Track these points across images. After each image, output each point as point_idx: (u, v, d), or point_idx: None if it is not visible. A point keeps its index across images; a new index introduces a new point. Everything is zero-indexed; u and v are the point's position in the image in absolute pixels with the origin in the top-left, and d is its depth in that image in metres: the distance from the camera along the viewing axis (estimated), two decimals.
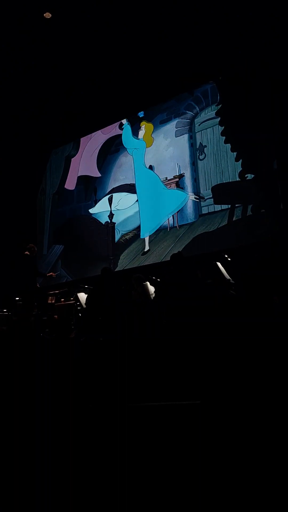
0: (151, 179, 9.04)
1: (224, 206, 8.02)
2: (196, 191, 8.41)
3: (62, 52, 8.91)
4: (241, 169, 7.81)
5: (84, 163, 10.41)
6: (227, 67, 8.13)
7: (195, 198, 7.93)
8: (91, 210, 10.08)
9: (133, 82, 9.12)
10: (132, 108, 9.59)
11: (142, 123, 9.46)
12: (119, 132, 9.85)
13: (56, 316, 6.83)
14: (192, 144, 8.65)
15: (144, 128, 9.38)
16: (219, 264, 5.60)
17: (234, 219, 7.84)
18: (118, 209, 9.53)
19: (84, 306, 6.34)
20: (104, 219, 9.77)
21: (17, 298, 7.47)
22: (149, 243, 8.88)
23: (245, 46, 7.74)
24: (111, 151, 9.95)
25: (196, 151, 8.56)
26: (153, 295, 5.87)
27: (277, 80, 7.28)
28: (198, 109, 8.68)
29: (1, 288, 8.87)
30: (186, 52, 8.36)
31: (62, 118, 10.17)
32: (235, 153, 7.96)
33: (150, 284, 6.07)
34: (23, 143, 10.52)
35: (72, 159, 10.68)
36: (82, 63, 9.14)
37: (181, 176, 8.61)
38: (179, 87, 8.86)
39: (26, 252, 7.34)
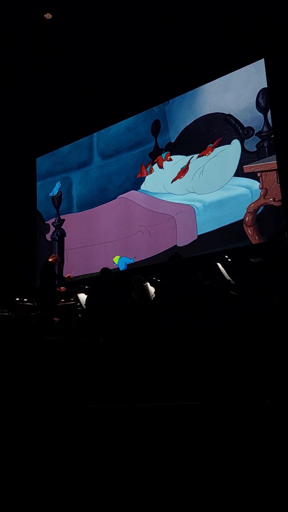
0: None
1: None
2: None
3: (61, 55, 8.93)
4: None
5: None
6: None
7: None
8: None
9: (132, 86, 9.13)
10: (129, 113, 9.63)
11: None
12: None
13: (56, 319, 6.85)
14: None
15: None
16: (219, 264, 5.60)
17: None
18: None
19: (84, 306, 6.35)
20: None
21: (17, 299, 7.49)
22: None
23: None
24: None
25: None
26: (153, 296, 5.87)
27: None
28: None
29: (1, 289, 8.89)
30: (185, 56, 8.38)
31: (55, 122, 10.20)
32: None
33: (150, 285, 6.07)
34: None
35: None
36: (81, 65, 9.16)
37: None
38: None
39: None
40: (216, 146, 8.61)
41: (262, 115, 8.10)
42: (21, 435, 3.37)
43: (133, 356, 3.85)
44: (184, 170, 8.99)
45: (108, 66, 9.13)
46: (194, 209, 8.78)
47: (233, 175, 8.31)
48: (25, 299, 7.53)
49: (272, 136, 7.94)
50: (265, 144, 8.03)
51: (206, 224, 8.48)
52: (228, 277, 5.49)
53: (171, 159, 9.25)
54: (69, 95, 9.84)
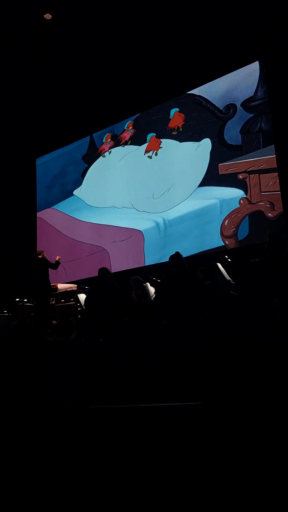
0: None
1: None
2: None
3: (60, 55, 8.92)
4: None
5: None
6: None
7: None
8: None
9: (131, 86, 9.13)
10: (128, 113, 9.62)
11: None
12: None
13: (54, 322, 6.83)
14: None
15: None
16: (219, 265, 5.60)
17: None
18: None
19: (84, 307, 6.34)
20: None
21: (17, 299, 7.47)
22: None
23: None
24: None
25: None
26: (153, 296, 5.86)
27: None
28: None
29: (1, 289, 8.87)
30: (185, 56, 8.38)
31: (51, 124, 10.18)
32: None
33: (150, 285, 6.06)
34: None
35: None
36: (81, 65, 9.15)
37: None
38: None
39: (39, 256, 7.55)
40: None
41: (256, 80, 7.64)
42: (21, 435, 3.36)
43: (133, 357, 3.85)
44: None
45: (108, 66, 9.12)
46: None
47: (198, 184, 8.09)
48: (25, 299, 7.50)
49: (269, 109, 7.44)
50: (259, 126, 7.54)
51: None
52: (228, 277, 5.48)
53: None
54: (69, 95, 9.83)
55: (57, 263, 7.77)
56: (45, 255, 7.71)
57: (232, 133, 7.93)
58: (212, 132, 8.18)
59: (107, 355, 4.13)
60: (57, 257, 7.91)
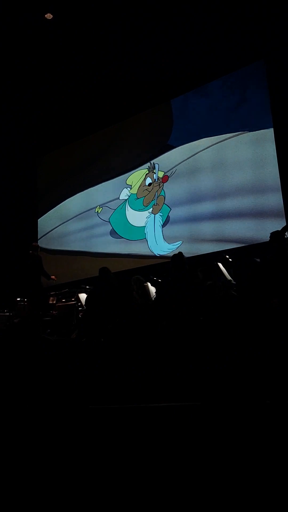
0: None
1: None
2: None
3: (62, 54, 8.92)
4: None
5: None
6: None
7: None
8: None
9: (131, 85, 9.14)
10: (129, 113, 9.62)
11: None
12: None
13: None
14: None
15: None
16: (220, 264, 5.60)
17: None
18: None
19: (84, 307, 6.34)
20: None
21: (18, 299, 7.46)
22: None
23: None
24: None
25: None
26: (154, 295, 5.87)
27: None
28: None
29: (2, 289, 8.87)
30: (187, 56, 8.39)
31: (56, 122, 10.17)
32: None
33: (151, 285, 6.07)
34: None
35: None
36: (81, 65, 9.15)
37: None
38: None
39: (31, 251, 7.39)
40: None
41: None
42: (21, 435, 3.37)
43: (133, 356, 3.85)
44: None
45: (109, 66, 9.11)
46: None
47: None
48: (25, 299, 7.49)
49: None
50: None
51: None
52: (229, 277, 5.48)
53: None
54: (70, 96, 9.83)
55: (49, 277, 7.65)
56: (37, 253, 7.50)
57: None
58: None
59: (108, 355, 4.14)
60: (54, 278, 7.75)
